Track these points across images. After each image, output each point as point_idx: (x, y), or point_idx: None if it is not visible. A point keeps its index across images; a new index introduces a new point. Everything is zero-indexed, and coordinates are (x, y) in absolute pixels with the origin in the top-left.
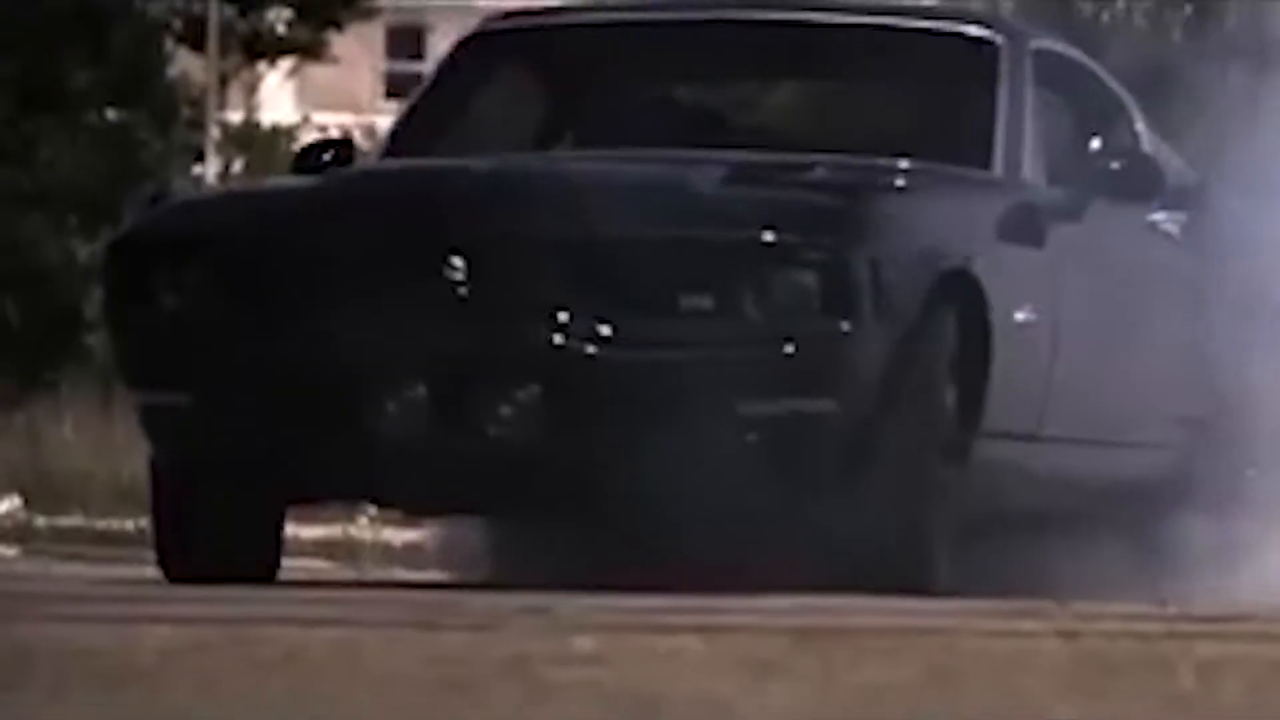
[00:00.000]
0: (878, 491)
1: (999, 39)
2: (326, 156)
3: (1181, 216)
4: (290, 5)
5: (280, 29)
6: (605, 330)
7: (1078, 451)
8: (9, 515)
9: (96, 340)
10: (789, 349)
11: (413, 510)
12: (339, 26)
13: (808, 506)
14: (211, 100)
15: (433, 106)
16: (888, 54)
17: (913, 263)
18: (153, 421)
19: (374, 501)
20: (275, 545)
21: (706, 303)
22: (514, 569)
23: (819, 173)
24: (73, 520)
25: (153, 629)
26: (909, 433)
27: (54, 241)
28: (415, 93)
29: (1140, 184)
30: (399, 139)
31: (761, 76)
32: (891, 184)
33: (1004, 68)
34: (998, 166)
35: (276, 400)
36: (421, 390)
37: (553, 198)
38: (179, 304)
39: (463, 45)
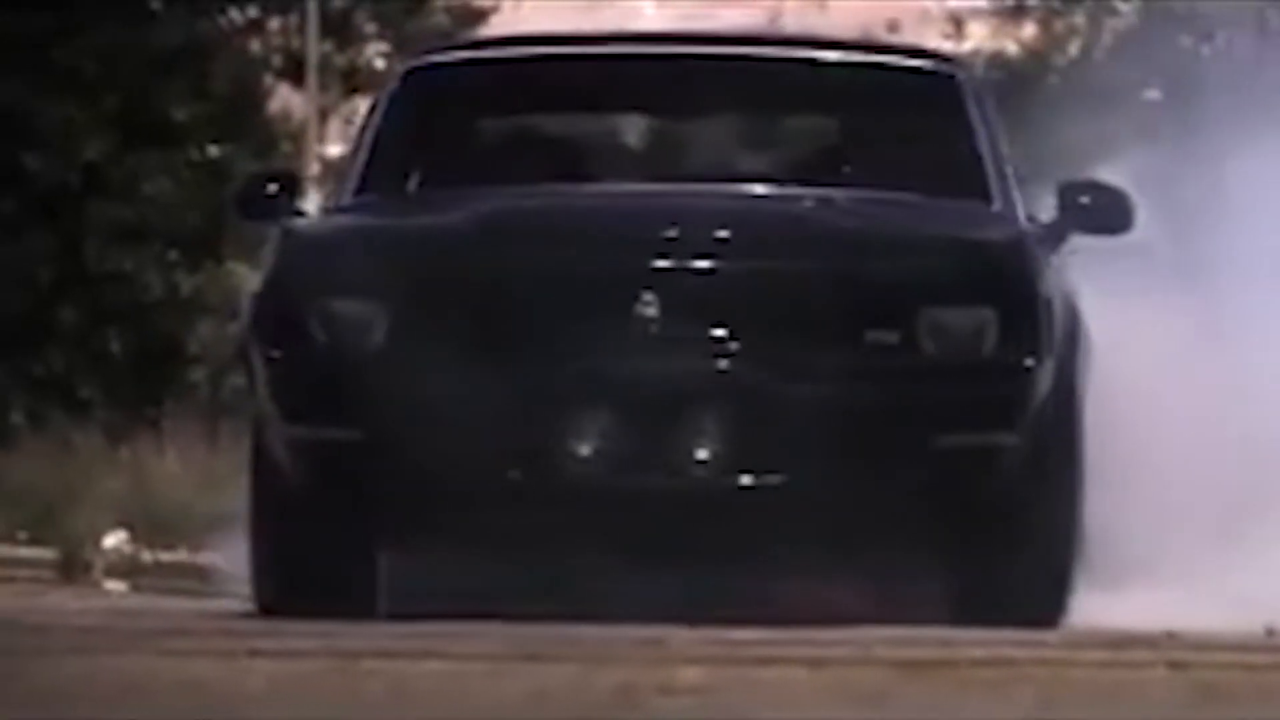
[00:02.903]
0: (1043, 524)
1: (959, 73)
2: (272, 189)
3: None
4: (387, 39)
5: (378, 63)
6: (796, 365)
7: None
8: (115, 550)
9: (200, 374)
10: (980, 383)
11: (580, 554)
12: None
13: (983, 539)
14: (311, 134)
15: (397, 139)
16: (852, 88)
17: (1060, 298)
18: (312, 457)
19: (541, 547)
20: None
21: (894, 337)
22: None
23: (969, 212)
24: (177, 555)
25: (259, 662)
26: (1067, 466)
27: (157, 275)
28: (371, 125)
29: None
30: (372, 174)
31: (721, 111)
32: (1025, 221)
33: (971, 101)
34: (996, 202)
35: (450, 440)
36: (609, 429)
37: (746, 233)
38: (346, 340)
39: (408, 76)
